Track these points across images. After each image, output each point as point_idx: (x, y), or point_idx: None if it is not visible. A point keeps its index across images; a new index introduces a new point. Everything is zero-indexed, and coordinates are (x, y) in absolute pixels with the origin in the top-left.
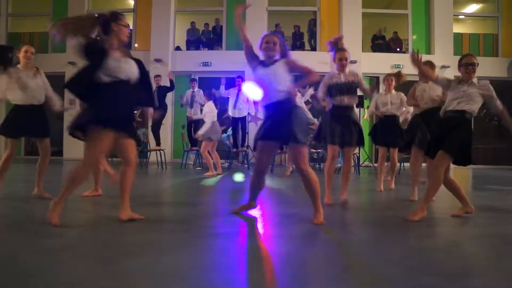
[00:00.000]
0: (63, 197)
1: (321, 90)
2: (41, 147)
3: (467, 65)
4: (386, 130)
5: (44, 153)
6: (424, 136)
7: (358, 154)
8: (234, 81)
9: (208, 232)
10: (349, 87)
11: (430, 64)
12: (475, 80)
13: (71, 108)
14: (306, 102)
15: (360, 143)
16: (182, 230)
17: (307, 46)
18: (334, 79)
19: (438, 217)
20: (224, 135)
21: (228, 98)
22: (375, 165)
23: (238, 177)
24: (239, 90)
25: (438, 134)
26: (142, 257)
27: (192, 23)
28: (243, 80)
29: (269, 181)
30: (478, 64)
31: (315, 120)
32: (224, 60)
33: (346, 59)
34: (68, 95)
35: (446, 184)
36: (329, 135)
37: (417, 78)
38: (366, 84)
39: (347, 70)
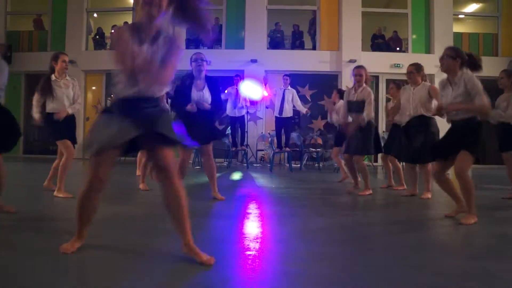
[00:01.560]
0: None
1: (344, 107)
2: (66, 151)
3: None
4: (395, 139)
5: (68, 155)
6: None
7: None
8: (232, 81)
9: (205, 231)
10: (358, 105)
11: (416, 67)
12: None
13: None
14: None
15: (365, 151)
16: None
17: (306, 45)
18: (350, 96)
19: (437, 217)
20: None
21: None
22: (375, 164)
23: (236, 176)
24: (238, 89)
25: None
26: (142, 257)
27: None
28: (241, 78)
29: (268, 181)
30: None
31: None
32: (224, 59)
33: (360, 75)
34: None
35: (442, 183)
36: (345, 144)
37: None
38: (370, 109)
39: (361, 87)
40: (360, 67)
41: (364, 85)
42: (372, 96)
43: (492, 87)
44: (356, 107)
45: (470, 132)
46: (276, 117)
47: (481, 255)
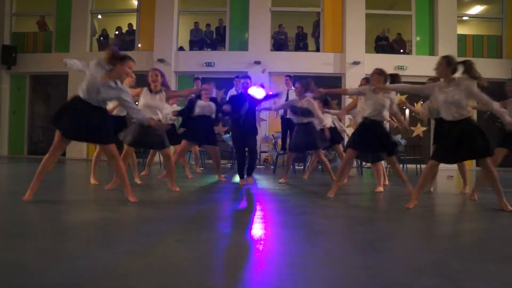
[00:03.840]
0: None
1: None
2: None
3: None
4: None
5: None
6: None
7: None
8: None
9: (209, 232)
10: (304, 112)
11: (366, 80)
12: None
13: None
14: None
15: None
16: (183, 230)
17: (310, 47)
18: (295, 102)
19: (438, 218)
20: (227, 135)
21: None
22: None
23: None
24: (238, 90)
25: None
26: (144, 257)
27: (196, 23)
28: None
29: (271, 182)
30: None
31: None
32: (227, 61)
33: (297, 88)
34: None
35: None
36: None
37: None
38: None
39: (303, 98)
40: (299, 82)
41: (307, 96)
42: (313, 105)
43: (497, 90)
44: (300, 112)
45: (382, 132)
46: (282, 117)
47: (484, 258)
